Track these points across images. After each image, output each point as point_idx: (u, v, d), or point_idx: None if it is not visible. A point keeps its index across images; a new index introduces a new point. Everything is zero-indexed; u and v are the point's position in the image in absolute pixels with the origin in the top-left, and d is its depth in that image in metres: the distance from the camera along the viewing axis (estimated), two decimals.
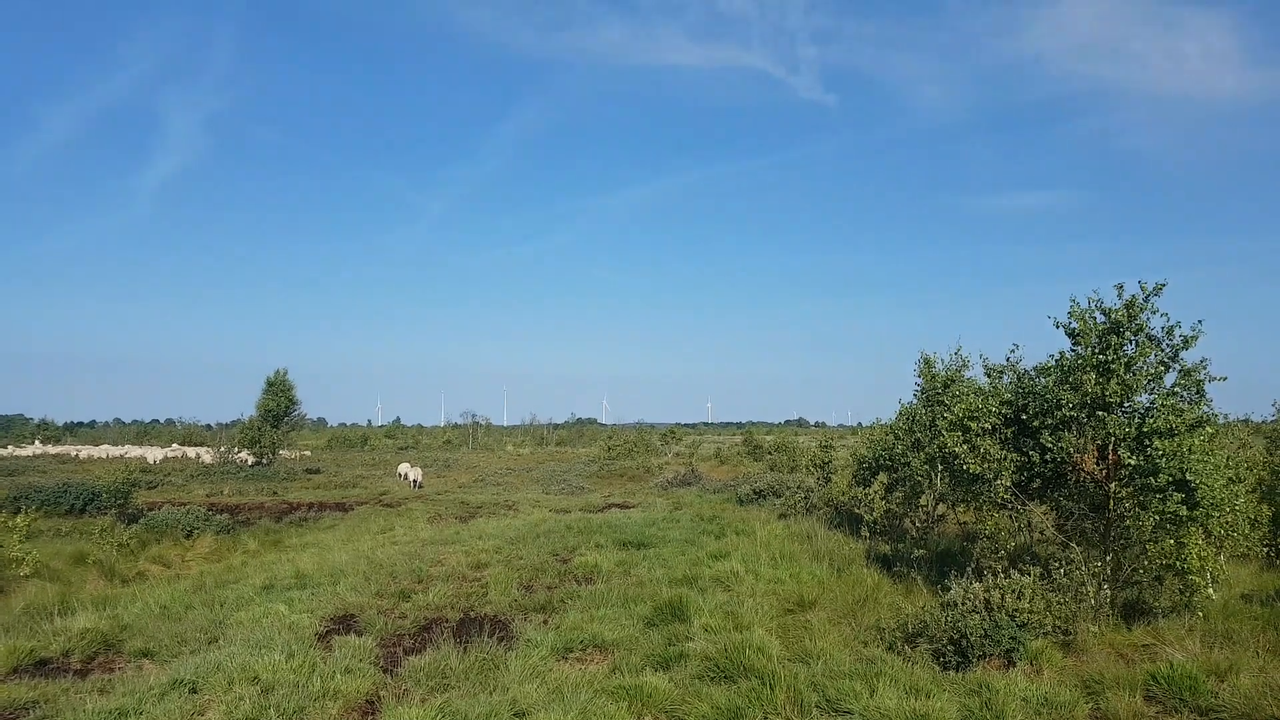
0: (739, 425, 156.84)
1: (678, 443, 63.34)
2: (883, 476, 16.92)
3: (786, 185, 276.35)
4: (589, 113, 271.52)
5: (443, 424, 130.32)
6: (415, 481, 38.30)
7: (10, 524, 15.63)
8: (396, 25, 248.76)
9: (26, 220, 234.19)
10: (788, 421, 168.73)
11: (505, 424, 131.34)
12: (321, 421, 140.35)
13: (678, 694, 7.74)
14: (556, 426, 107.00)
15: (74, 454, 73.80)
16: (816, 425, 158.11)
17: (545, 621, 10.76)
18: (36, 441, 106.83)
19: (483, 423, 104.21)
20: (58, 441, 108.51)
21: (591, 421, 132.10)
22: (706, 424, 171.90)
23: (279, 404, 51.53)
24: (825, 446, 28.25)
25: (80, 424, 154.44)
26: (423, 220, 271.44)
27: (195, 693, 7.46)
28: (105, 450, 77.53)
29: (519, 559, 15.03)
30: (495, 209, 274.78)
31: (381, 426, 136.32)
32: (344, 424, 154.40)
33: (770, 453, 46.63)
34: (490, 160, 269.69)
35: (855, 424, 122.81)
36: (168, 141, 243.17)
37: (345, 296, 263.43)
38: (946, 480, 13.93)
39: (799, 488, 22.77)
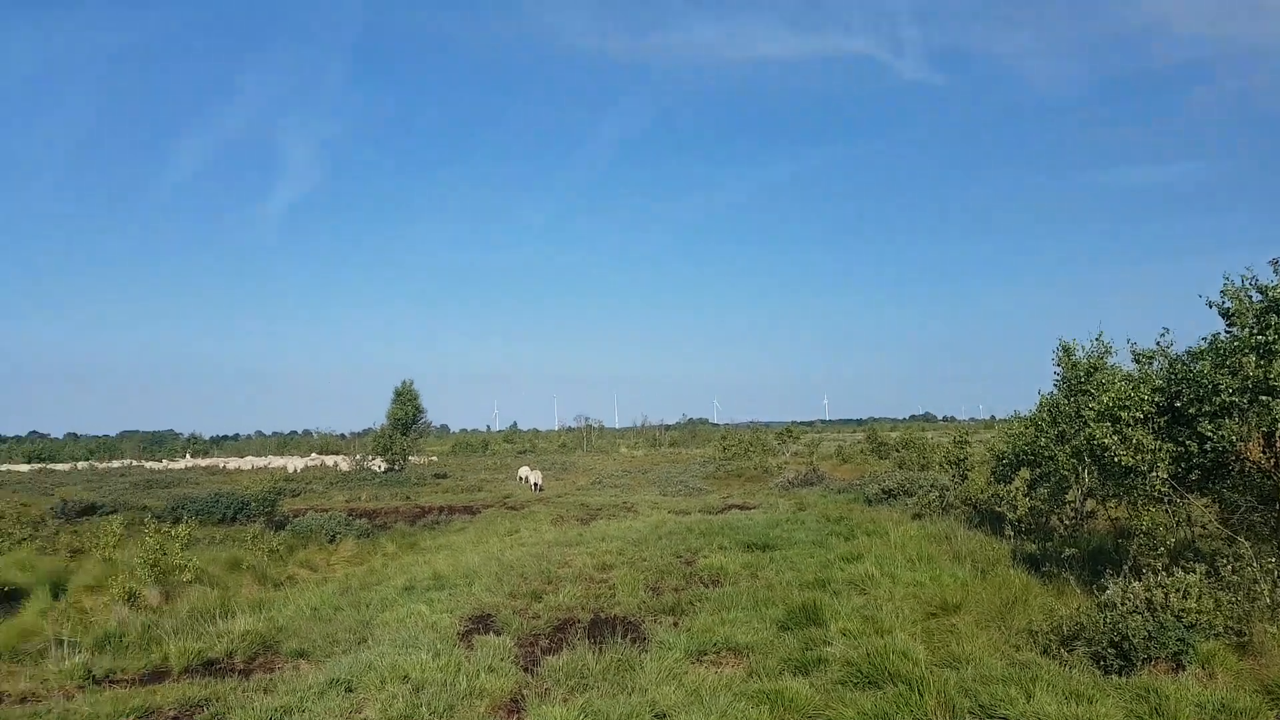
0: (858, 422, 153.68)
1: (795, 441, 62.39)
2: (1025, 472, 16.16)
3: (898, 170, 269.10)
4: (688, 111, 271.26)
5: (557, 427, 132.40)
6: (536, 484, 38.96)
7: (172, 533, 16.61)
8: (492, 40, 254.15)
9: (166, 246, 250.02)
10: (912, 417, 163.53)
11: (617, 426, 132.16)
12: (444, 428, 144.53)
13: (820, 699, 7.56)
14: (668, 427, 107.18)
15: (221, 465, 78.24)
16: (945, 420, 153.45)
17: (675, 624, 10.72)
18: (187, 455, 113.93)
19: (595, 425, 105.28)
20: (205, 454, 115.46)
21: (703, 422, 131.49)
22: (824, 421, 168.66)
23: (407, 413, 53.42)
24: (960, 442, 27.25)
25: (225, 437, 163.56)
26: (528, 227, 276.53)
27: (351, 691, 7.74)
28: (250, 461, 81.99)
29: (643, 561, 15.05)
30: (598, 212, 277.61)
31: (499, 431, 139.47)
32: (464, 430, 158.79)
33: (897, 450, 45.35)
34: (591, 165, 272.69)
35: (988, 417, 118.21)
36: (287, 166, 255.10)
37: (460, 306, 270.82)
38: (1095, 474, 13.20)
39: (932, 486, 22.00)
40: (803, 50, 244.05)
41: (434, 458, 75.87)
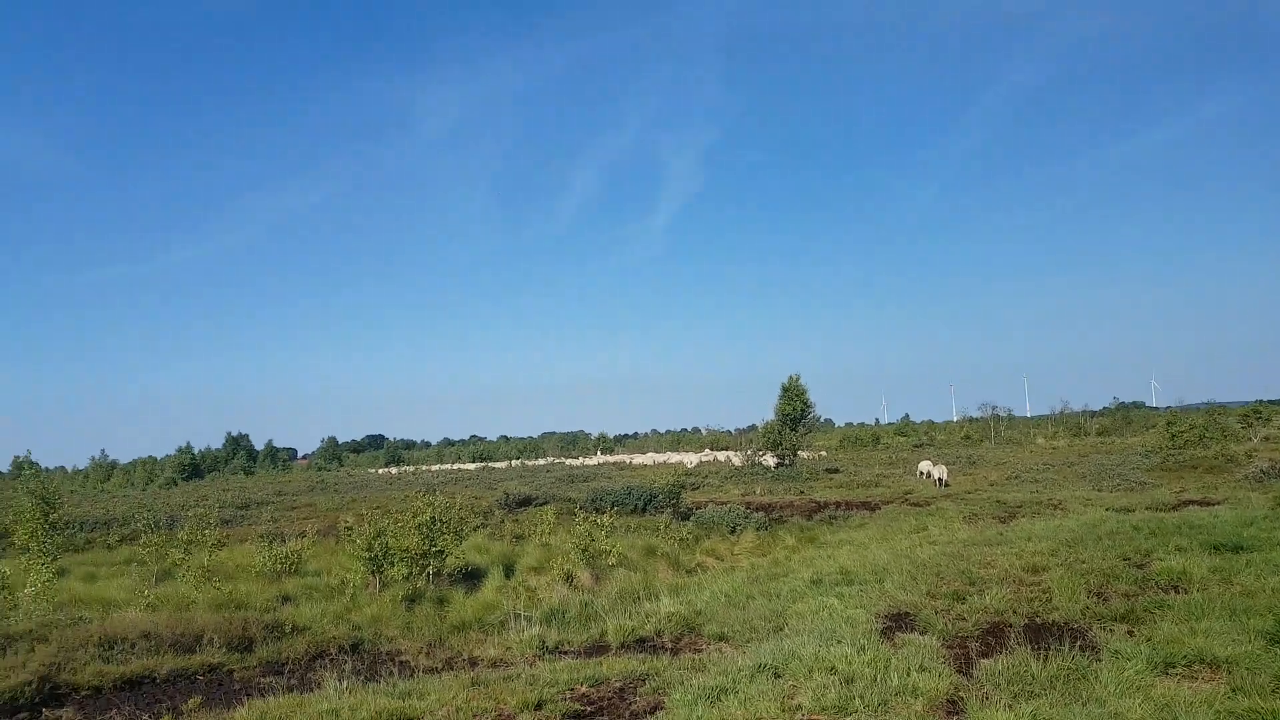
0: None
1: (1265, 424, 53.41)
2: None
3: None
4: (1085, 58, 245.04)
5: (955, 418, 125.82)
6: (940, 480, 37.24)
7: (598, 522, 18.19)
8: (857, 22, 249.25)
9: (567, 269, 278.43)
10: None
11: (1029, 414, 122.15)
12: (829, 422, 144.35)
13: None
14: (1094, 414, 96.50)
15: (627, 461, 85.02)
16: None
17: (1130, 632, 9.47)
18: (598, 452, 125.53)
19: (1004, 414, 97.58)
20: (612, 452, 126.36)
21: (1138, 406, 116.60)
22: None
23: (795, 408, 54.06)
24: None
25: (626, 435, 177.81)
26: (912, 206, 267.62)
27: (779, 677, 7.77)
28: (650, 457, 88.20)
29: (1081, 563, 13.53)
30: (991, 176, 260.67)
31: (890, 424, 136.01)
32: (850, 423, 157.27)
33: None
34: (980, 128, 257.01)
35: None
36: (671, 180, 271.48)
37: (844, 299, 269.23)
38: None
39: None
40: None
41: (823, 452, 76.00)
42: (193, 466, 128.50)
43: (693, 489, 40.69)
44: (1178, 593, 11.09)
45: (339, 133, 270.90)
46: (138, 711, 9.05)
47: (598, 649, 10.86)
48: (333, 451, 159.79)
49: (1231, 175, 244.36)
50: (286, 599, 15.70)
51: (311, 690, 8.98)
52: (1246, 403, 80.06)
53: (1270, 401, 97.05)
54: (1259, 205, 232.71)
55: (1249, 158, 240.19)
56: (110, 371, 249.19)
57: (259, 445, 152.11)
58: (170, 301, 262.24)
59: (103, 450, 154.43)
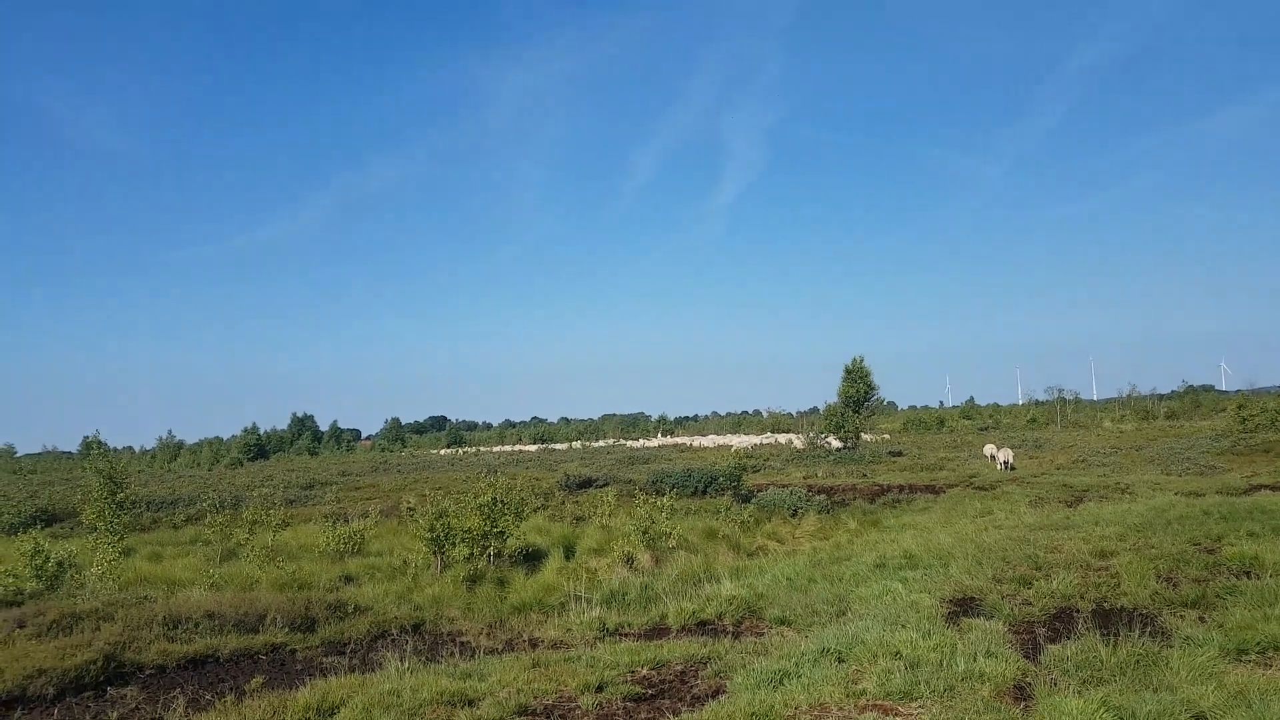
0: None
1: None
2: None
3: None
4: (1167, 31, 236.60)
5: (1021, 401, 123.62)
6: (1006, 463, 36.61)
7: (658, 504, 18.22)
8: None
9: (628, 250, 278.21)
10: None
11: (1096, 398, 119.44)
12: (892, 405, 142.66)
13: None
14: (1162, 397, 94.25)
15: (688, 443, 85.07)
16: None
17: (1201, 618, 9.22)
18: (658, 434, 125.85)
19: (1070, 397, 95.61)
20: (672, 434, 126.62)
21: (1207, 389, 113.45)
22: None
23: (858, 390, 53.54)
24: None
25: (687, 418, 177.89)
26: (976, 188, 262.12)
27: (843, 662, 7.72)
28: (711, 439, 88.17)
29: (1150, 548, 13.20)
30: (1056, 162, 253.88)
31: (954, 407, 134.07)
32: (914, 406, 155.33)
33: None
34: (1051, 106, 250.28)
35: None
36: (733, 158, 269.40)
37: (909, 279, 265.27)
38: None
39: None
40: None
41: (886, 435, 75.24)
42: (258, 447, 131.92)
43: (754, 471, 40.57)
44: (1250, 578, 10.76)
45: (404, 115, 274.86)
46: (201, 690, 9.22)
47: (658, 631, 10.91)
48: (396, 433, 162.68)
49: None
50: (349, 579, 16.03)
51: (373, 670, 9.12)
52: None
53: None
54: None
55: None
56: (179, 352, 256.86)
57: (324, 426, 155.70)
58: (240, 282, 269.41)
59: (170, 431, 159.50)
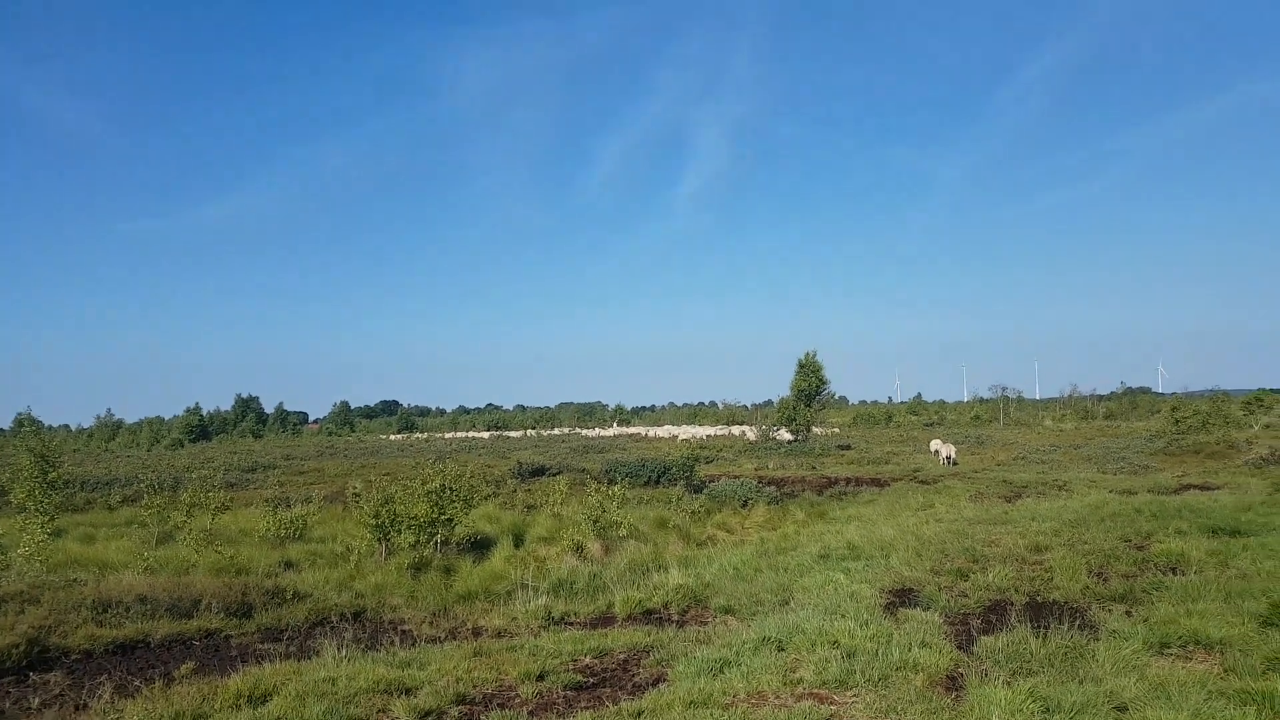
0: None
1: (1266, 412, 53.38)
2: None
3: None
4: (1124, 37, 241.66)
5: (966, 398, 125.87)
6: (948, 458, 37.31)
7: (610, 493, 18.27)
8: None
9: (591, 241, 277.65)
10: None
11: (1039, 397, 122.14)
12: (843, 399, 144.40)
13: None
14: (1102, 398, 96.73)
15: (643, 434, 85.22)
16: None
17: (1128, 612, 9.53)
18: (614, 424, 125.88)
19: (1013, 396, 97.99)
20: (628, 424, 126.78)
21: (1145, 391, 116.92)
22: None
23: (810, 384, 54.09)
24: None
25: (643, 408, 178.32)
26: (935, 189, 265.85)
27: (783, 650, 7.85)
28: (666, 430, 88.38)
29: (1083, 543, 13.60)
30: (1017, 162, 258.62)
31: (903, 403, 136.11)
32: (864, 401, 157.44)
33: None
34: (1008, 111, 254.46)
35: None
36: (698, 151, 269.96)
37: (865, 276, 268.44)
38: None
39: None
40: None
41: (836, 429, 76.13)
42: (200, 428, 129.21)
43: (707, 462, 40.84)
44: (1176, 574, 11.16)
45: (364, 94, 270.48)
46: (129, 676, 8.98)
47: (604, 620, 10.96)
48: (344, 416, 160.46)
49: (1241, 167, 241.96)
50: (290, 565, 15.79)
51: (310, 658, 9.00)
52: (1250, 390, 79.99)
53: (1273, 390, 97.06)
54: (1267, 197, 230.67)
55: (1259, 150, 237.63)
56: (120, 329, 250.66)
57: (269, 408, 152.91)
58: (186, 259, 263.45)
59: (109, 409, 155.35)
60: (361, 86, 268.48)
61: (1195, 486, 23.21)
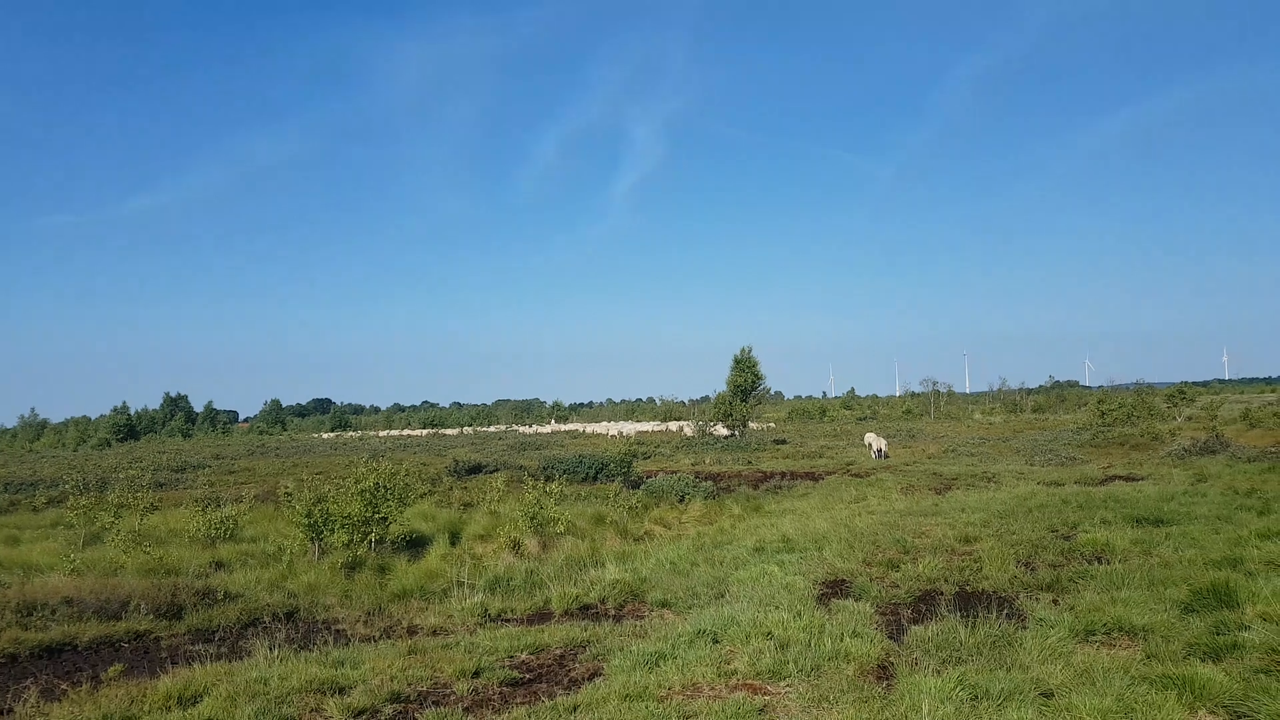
0: (1266, 381, 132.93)
1: (1189, 404, 55.38)
2: None
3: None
4: (1054, 43, 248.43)
5: (899, 393, 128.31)
6: (880, 451, 37.95)
7: (547, 490, 18.21)
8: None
9: (528, 237, 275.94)
10: None
11: (969, 391, 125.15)
12: (779, 394, 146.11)
13: (1237, 688, 6.47)
14: (1030, 392, 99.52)
15: (581, 430, 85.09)
16: None
17: (1055, 601, 9.79)
18: (552, 421, 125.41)
19: (944, 390, 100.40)
20: (566, 420, 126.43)
21: (1072, 385, 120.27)
22: (1222, 381, 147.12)
23: (746, 380, 54.55)
24: None
25: (581, 404, 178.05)
26: (868, 188, 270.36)
27: (718, 643, 7.91)
28: (605, 426, 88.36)
29: (1011, 534, 13.96)
30: (951, 164, 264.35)
31: (837, 397, 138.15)
32: (799, 396, 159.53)
33: None
34: (941, 112, 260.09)
35: None
36: (632, 148, 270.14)
37: (799, 273, 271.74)
38: None
39: None
40: None
41: (772, 424, 76.97)
42: (128, 427, 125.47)
43: (644, 458, 40.94)
44: (1101, 563, 11.49)
45: (293, 85, 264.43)
46: (55, 679, 8.80)
47: (541, 617, 10.91)
48: (276, 415, 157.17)
49: (1164, 172, 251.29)
50: (221, 565, 15.46)
51: (241, 659, 8.85)
52: (1173, 383, 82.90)
53: (1195, 383, 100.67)
54: (1195, 197, 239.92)
55: (1181, 156, 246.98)
56: (43, 325, 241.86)
57: (198, 407, 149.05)
58: (111, 254, 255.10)
59: (32, 409, 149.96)
60: (291, 78, 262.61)
61: (1120, 478, 23.96)
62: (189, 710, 6.92)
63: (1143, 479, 23.02)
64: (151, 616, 11.11)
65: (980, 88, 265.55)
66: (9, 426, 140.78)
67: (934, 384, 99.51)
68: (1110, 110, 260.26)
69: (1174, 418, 49.88)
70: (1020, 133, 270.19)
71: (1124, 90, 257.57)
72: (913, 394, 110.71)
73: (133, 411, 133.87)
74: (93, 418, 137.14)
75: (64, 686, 8.39)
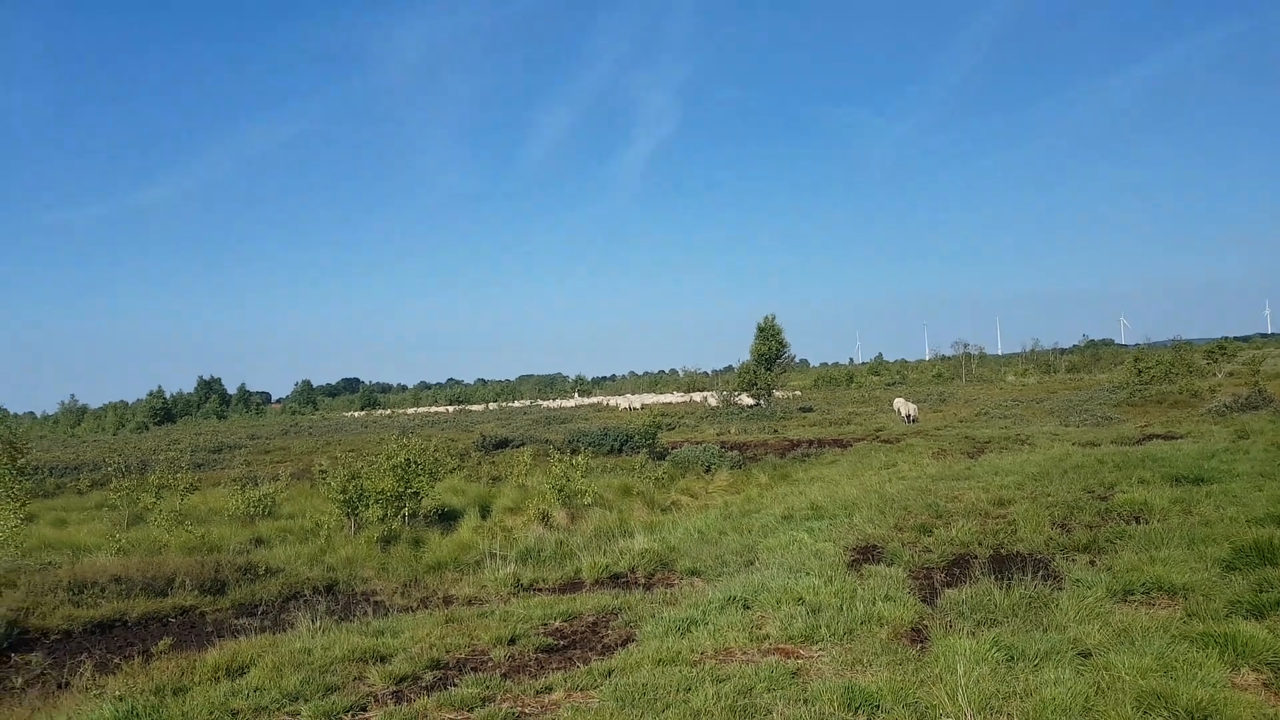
0: None
1: (1230, 360, 54.32)
2: None
3: None
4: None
5: (928, 357, 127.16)
6: (909, 416, 37.68)
7: (573, 463, 18.31)
8: None
9: (544, 210, 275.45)
10: None
11: (1000, 353, 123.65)
12: (804, 362, 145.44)
13: None
14: (1064, 352, 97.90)
15: (605, 403, 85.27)
16: None
17: (1091, 562, 9.68)
18: (575, 394, 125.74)
19: (975, 353, 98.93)
20: (589, 394, 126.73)
21: (1107, 343, 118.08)
22: (1264, 336, 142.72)
23: (770, 348, 54.28)
24: None
25: (604, 378, 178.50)
26: (885, 144, 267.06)
27: (749, 609, 7.92)
28: (628, 399, 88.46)
29: (1046, 496, 13.80)
30: (964, 120, 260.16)
31: (864, 364, 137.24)
32: (825, 363, 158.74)
33: None
34: (958, 66, 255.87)
35: None
36: (644, 117, 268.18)
37: (822, 238, 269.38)
38: None
39: None
40: None
41: (797, 392, 76.64)
42: (164, 411, 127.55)
43: (669, 429, 40.92)
44: (1139, 523, 11.32)
45: (307, 66, 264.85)
46: (108, 654, 9.08)
47: (572, 586, 10.99)
48: (307, 395, 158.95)
49: (1201, 119, 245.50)
50: (260, 542, 15.73)
51: (284, 631, 9.02)
52: (1212, 339, 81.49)
53: (1235, 338, 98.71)
54: (1228, 147, 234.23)
55: (1221, 100, 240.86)
56: (81, 315, 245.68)
57: (231, 389, 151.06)
58: (141, 242, 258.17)
59: (72, 395, 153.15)
60: (296, 62, 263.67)
61: (1158, 436, 23.55)
62: (237, 681, 7.06)
63: (1181, 437, 22.63)
64: (196, 592, 11.39)
65: (1003, 34, 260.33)
66: (51, 413, 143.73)
67: (964, 346, 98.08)
68: (1144, 54, 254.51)
69: (1214, 374, 48.95)
70: (1047, 81, 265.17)
71: (1159, 32, 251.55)
72: (943, 357, 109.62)
73: (168, 395, 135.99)
74: (130, 402, 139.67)
75: (117, 660, 8.68)
